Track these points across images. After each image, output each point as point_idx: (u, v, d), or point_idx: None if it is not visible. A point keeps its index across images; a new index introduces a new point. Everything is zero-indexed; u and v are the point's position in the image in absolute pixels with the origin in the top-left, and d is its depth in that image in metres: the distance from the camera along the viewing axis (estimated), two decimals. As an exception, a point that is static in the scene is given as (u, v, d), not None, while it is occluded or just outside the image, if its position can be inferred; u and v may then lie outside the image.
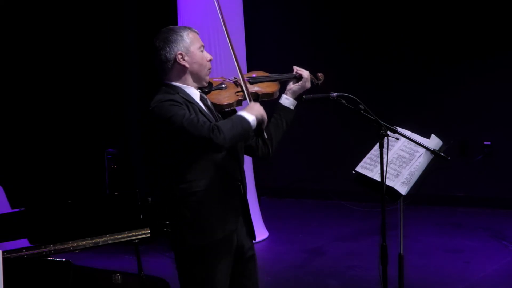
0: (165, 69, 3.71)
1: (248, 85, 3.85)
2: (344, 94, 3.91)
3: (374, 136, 3.91)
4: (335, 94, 3.92)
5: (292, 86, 3.95)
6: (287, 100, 3.93)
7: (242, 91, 3.80)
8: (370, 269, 5.81)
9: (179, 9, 7.07)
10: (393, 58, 8.47)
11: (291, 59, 8.52)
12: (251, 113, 3.65)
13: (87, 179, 7.87)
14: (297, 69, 3.97)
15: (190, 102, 3.64)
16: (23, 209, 4.32)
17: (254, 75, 3.95)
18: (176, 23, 7.09)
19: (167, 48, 3.67)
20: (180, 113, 3.53)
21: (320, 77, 4.09)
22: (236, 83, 3.85)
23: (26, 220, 4.26)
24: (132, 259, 4.69)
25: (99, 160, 7.58)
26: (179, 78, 3.71)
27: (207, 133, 3.47)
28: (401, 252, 4.28)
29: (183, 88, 3.70)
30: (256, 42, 8.26)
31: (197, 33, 3.77)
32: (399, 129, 4.08)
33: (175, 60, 3.68)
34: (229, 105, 3.79)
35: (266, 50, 8.72)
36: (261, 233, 7.35)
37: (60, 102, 7.99)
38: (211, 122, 3.57)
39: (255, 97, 3.84)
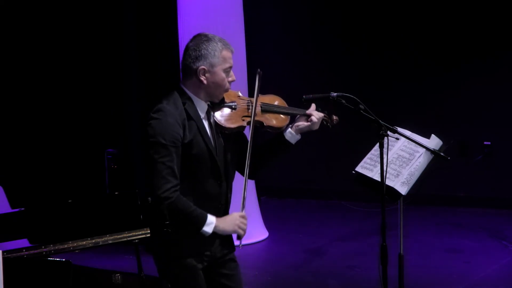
0: (185, 73, 3.69)
1: (259, 112, 3.77)
2: (344, 94, 3.90)
3: (374, 136, 3.90)
4: (335, 94, 3.90)
5: (300, 123, 3.84)
6: (290, 135, 3.83)
7: (250, 116, 3.73)
8: (370, 269, 5.80)
9: (179, 9, 7.07)
10: (393, 58, 8.47)
11: (291, 59, 8.57)
12: (220, 227, 3.61)
13: (87, 179, 7.87)
14: (312, 111, 3.85)
15: (190, 119, 3.61)
16: (23, 209, 4.32)
17: (268, 102, 3.85)
18: (176, 23, 7.09)
19: (194, 57, 3.62)
20: (165, 146, 3.52)
21: (335, 121, 3.95)
22: (248, 107, 3.77)
23: (26, 220, 4.25)
24: (132, 259, 4.68)
25: (99, 160, 7.58)
26: (193, 89, 3.67)
27: (162, 190, 3.49)
28: (401, 252, 4.28)
29: (192, 99, 3.67)
30: (256, 42, 8.26)
31: (232, 52, 3.69)
32: (399, 129, 4.07)
33: (195, 72, 3.64)
34: (230, 129, 3.72)
35: (266, 50, 8.72)
36: (261, 233, 7.35)
37: (60, 102, 7.99)
38: (174, 184, 3.52)
39: (260, 125, 3.78)
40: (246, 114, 3.75)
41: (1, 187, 5.20)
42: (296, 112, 3.87)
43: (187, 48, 3.67)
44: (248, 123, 3.72)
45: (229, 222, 3.65)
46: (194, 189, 3.65)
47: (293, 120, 3.90)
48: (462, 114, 8.30)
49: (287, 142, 3.83)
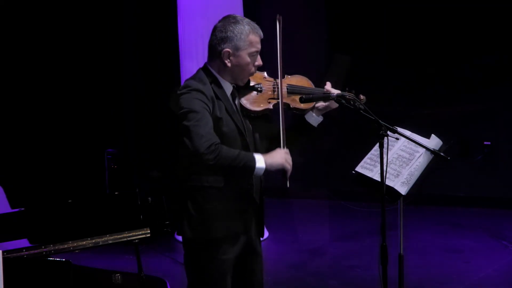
0: (211, 54, 3.66)
1: (285, 93, 3.74)
2: (344, 94, 3.90)
3: (374, 136, 3.90)
4: (335, 93, 3.90)
5: (319, 104, 3.85)
6: (312, 117, 3.86)
7: (276, 99, 3.71)
8: (370, 269, 5.81)
9: (179, 9, 7.07)
10: (393, 58, 8.46)
11: (291, 59, 8.54)
12: (268, 161, 3.57)
13: (87, 179, 7.87)
14: (329, 89, 3.85)
15: (217, 98, 3.59)
16: (23, 209, 4.32)
17: (294, 81, 3.84)
18: (176, 23, 7.09)
19: (219, 39, 3.60)
20: (197, 112, 3.46)
21: (363, 100, 3.94)
22: (274, 88, 3.75)
23: (26, 220, 4.25)
24: (132, 259, 4.69)
25: (99, 160, 7.59)
26: (218, 70, 3.65)
27: (204, 147, 3.40)
28: (401, 252, 4.27)
29: (218, 79, 3.64)
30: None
31: (260, 36, 3.69)
32: (399, 129, 4.07)
33: (220, 54, 3.61)
34: (256, 112, 3.70)
35: (265, 50, 8.70)
36: (261, 233, 7.34)
37: (60, 102, 7.99)
38: (215, 141, 3.45)
39: (286, 107, 3.76)
40: (272, 96, 3.73)
41: (1, 187, 5.20)
42: (320, 94, 3.84)
43: (214, 28, 3.63)
44: (274, 105, 3.70)
45: (277, 156, 3.62)
46: None
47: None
48: (462, 114, 8.29)
49: (309, 125, 3.85)
